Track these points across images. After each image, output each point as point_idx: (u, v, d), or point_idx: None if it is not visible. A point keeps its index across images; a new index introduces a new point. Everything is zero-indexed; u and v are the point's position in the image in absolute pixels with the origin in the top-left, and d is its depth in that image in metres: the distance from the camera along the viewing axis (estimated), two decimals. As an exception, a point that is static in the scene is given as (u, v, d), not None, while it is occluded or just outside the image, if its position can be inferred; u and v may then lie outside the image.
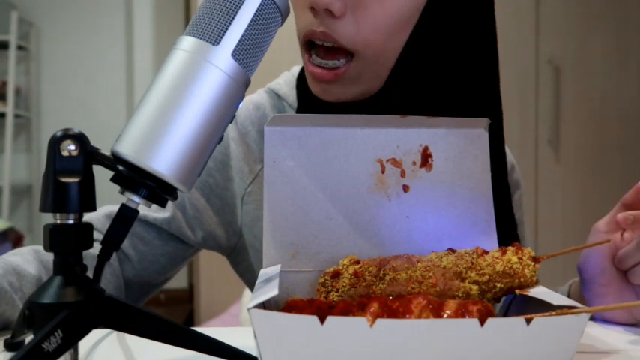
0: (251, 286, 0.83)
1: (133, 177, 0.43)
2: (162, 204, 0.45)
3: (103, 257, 0.44)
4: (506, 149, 0.84)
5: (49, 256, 0.68)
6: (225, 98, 0.44)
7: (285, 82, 0.81)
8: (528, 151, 2.60)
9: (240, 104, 0.47)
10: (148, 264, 0.77)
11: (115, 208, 0.75)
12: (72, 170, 0.42)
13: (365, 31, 0.63)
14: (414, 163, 0.60)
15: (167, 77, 0.43)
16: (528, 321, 0.42)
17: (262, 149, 0.76)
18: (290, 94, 0.79)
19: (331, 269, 0.55)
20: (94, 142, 0.43)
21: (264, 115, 0.79)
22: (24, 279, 0.63)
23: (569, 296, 0.71)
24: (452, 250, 0.55)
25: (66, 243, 0.43)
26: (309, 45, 0.66)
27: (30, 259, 0.66)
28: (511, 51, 2.56)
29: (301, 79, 0.78)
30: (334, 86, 0.66)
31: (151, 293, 0.82)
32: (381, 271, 0.53)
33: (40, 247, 0.70)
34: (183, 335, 0.46)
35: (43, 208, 0.42)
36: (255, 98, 0.81)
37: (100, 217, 0.76)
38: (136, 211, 0.44)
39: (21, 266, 0.63)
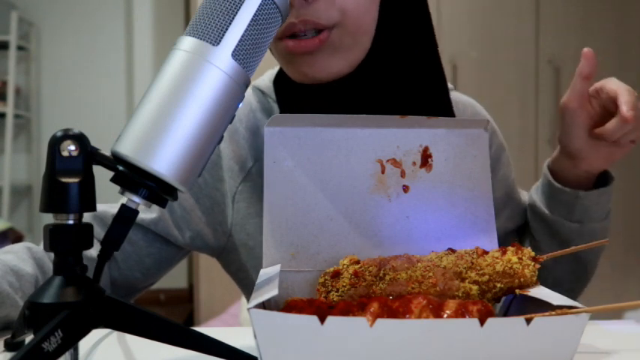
0: (243, 286, 0.82)
1: (133, 177, 0.43)
2: (162, 204, 0.45)
3: (103, 257, 0.44)
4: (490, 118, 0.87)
5: (43, 254, 0.68)
6: (225, 98, 0.44)
7: (269, 78, 0.81)
8: (528, 151, 2.59)
9: (240, 104, 0.47)
10: (133, 264, 0.77)
11: (103, 207, 0.75)
12: (72, 170, 0.42)
13: (340, 2, 0.65)
14: (414, 164, 0.59)
15: (167, 77, 0.43)
16: (528, 321, 0.42)
17: (252, 146, 0.77)
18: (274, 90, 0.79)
19: (331, 269, 0.55)
20: (94, 142, 0.43)
21: (252, 111, 0.79)
22: (22, 279, 0.63)
23: (551, 172, 0.78)
24: (452, 250, 0.55)
25: (66, 243, 0.43)
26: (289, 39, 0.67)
27: (25, 258, 0.66)
28: (511, 51, 2.56)
29: (279, 79, 0.78)
30: (319, 57, 0.67)
31: (134, 296, 0.81)
32: (381, 271, 0.53)
33: (33, 245, 0.70)
34: (183, 335, 0.46)
35: (43, 208, 0.42)
36: None
37: (88, 217, 0.74)
38: (136, 211, 0.44)
39: (18, 266, 0.63)
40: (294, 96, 0.74)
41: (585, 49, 0.71)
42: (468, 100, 0.86)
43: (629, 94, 0.67)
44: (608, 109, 0.70)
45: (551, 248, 0.76)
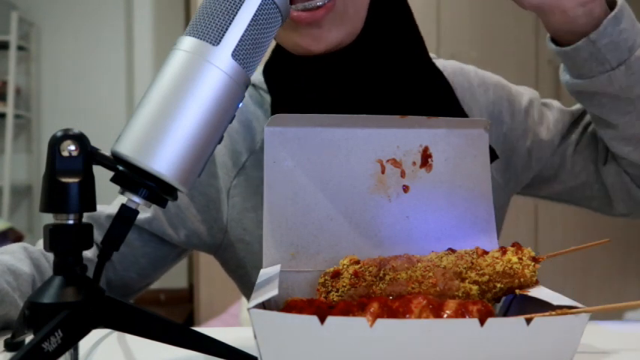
0: (242, 284, 0.82)
1: (133, 177, 0.43)
2: (162, 204, 0.45)
3: (103, 257, 0.44)
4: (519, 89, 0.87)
5: (39, 254, 0.68)
6: (225, 98, 0.44)
7: (258, 70, 0.81)
8: (528, 151, 2.60)
9: (240, 104, 0.47)
10: (129, 265, 0.77)
11: (103, 208, 0.75)
12: (72, 170, 0.42)
13: None
14: (414, 164, 0.60)
15: (167, 77, 0.43)
16: (528, 321, 0.42)
17: (246, 139, 0.77)
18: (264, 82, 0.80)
19: (331, 269, 0.55)
20: (94, 142, 0.43)
21: (243, 105, 0.78)
22: (20, 278, 0.63)
23: (559, 43, 0.72)
24: (452, 250, 0.55)
25: (66, 243, 0.43)
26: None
27: (22, 258, 0.66)
28: (511, 51, 2.56)
29: (268, 67, 0.78)
30: (325, 28, 0.67)
31: (130, 297, 0.81)
32: (381, 271, 0.53)
33: (29, 245, 0.69)
34: (183, 335, 0.46)
35: (43, 209, 0.42)
36: None
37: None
38: (136, 211, 0.44)
39: (15, 265, 0.63)
40: (288, 77, 0.74)
41: None
42: (454, 63, 0.85)
43: None
44: None
45: (626, 115, 0.70)
